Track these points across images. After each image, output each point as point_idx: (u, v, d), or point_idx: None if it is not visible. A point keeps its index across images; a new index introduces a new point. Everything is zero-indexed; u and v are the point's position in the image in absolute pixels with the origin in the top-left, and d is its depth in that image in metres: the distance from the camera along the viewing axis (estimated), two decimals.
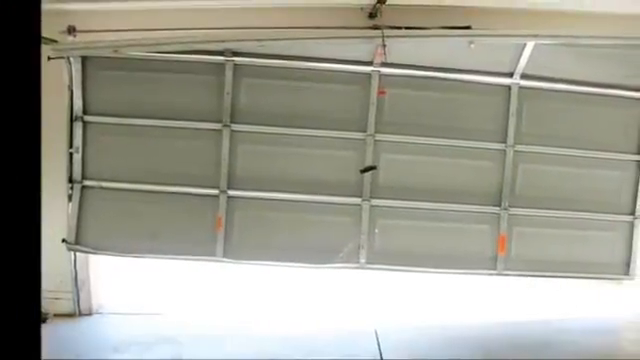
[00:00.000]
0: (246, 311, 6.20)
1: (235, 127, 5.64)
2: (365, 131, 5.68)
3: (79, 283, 5.95)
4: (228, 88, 5.58)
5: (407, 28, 5.35)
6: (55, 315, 5.87)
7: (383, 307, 6.33)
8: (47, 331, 5.31)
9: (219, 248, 5.69)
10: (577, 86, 5.78)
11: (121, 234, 5.69)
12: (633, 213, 5.99)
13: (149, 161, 5.67)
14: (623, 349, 5.76)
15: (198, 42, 5.34)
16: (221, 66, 5.57)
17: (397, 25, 5.36)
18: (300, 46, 5.48)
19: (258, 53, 5.54)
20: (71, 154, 5.58)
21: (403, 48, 5.44)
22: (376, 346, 5.43)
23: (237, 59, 5.56)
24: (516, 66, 5.64)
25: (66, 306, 5.95)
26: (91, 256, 5.93)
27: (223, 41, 5.45)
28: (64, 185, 5.57)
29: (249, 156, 5.70)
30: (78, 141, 5.58)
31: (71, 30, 5.48)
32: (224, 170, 5.65)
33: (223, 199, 5.67)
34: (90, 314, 6.05)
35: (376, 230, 5.78)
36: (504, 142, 5.80)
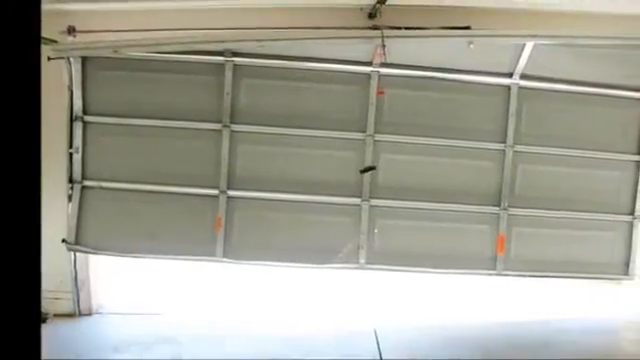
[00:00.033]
0: (246, 311, 6.20)
1: (235, 127, 5.64)
2: (364, 131, 5.69)
3: (79, 283, 5.95)
4: (228, 88, 5.59)
5: (407, 28, 5.36)
6: (55, 315, 5.88)
7: (382, 307, 6.33)
8: (47, 331, 5.33)
9: (219, 248, 5.69)
10: (576, 86, 5.78)
11: (121, 234, 5.69)
12: (632, 213, 5.99)
13: (149, 161, 5.67)
14: (623, 349, 5.76)
15: (198, 42, 5.35)
16: (221, 66, 5.57)
17: (397, 25, 5.37)
18: (300, 46, 5.48)
19: (258, 53, 5.54)
20: (71, 154, 5.58)
21: (402, 48, 5.44)
22: (375, 346, 5.43)
23: (237, 59, 5.57)
24: (515, 66, 5.64)
25: (66, 306, 5.95)
26: (91, 256, 5.93)
27: (223, 41, 5.46)
28: (64, 185, 5.58)
29: (249, 156, 5.71)
30: (78, 141, 5.58)
31: (71, 30, 5.49)
32: (224, 170, 5.66)
33: (223, 199, 5.68)
34: (90, 314, 6.05)
35: (375, 230, 5.79)
36: (503, 142, 5.81)
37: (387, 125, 5.71)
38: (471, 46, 5.27)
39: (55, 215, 5.32)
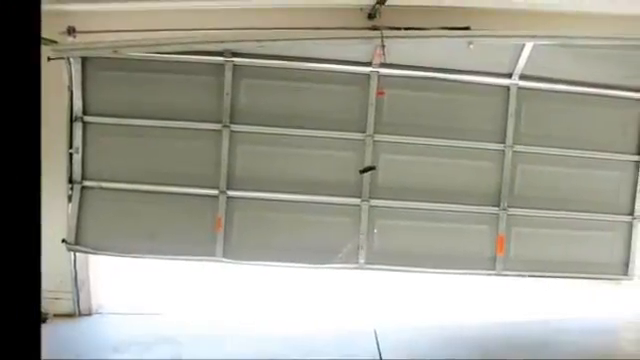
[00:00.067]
0: (246, 311, 6.21)
1: (234, 127, 5.65)
2: (364, 132, 5.69)
3: (79, 283, 5.95)
4: (228, 89, 5.59)
5: (406, 29, 5.36)
6: (55, 315, 5.88)
7: (382, 307, 6.34)
8: (47, 331, 5.34)
9: (219, 248, 5.70)
10: (576, 87, 5.79)
11: (121, 234, 5.70)
12: (632, 213, 5.99)
13: (149, 161, 5.67)
14: (622, 349, 5.77)
15: (198, 43, 5.35)
16: (221, 67, 5.58)
17: (396, 26, 5.37)
18: (299, 47, 5.48)
19: (257, 54, 5.55)
20: (71, 154, 5.59)
21: (402, 49, 5.45)
22: (375, 346, 5.44)
23: (236, 60, 5.57)
24: (515, 67, 5.65)
25: (66, 306, 5.96)
26: (91, 256, 5.94)
27: (223, 42, 5.46)
28: (64, 185, 5.58)
29: (248, 156, 5.71)
30: (78, 141, 5.59)
31: (71, 31, 5.50)
32: (224, 170, 5.66)
33: (223, 199, 5.68)
34: (90, 314, 6.06)
35: (375, 230, 5.79)
36: (503, 142, 5.81)
37: (387, 125, 5.71)
38: (471, 46, 5.27)
39: (55, 215, 5.32)
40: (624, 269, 6.03)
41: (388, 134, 5.73)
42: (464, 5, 5.56)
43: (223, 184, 5.67)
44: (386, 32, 5.21)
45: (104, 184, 5.65)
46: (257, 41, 5.36)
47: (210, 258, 5.73)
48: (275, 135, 5.67)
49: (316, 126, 5.65)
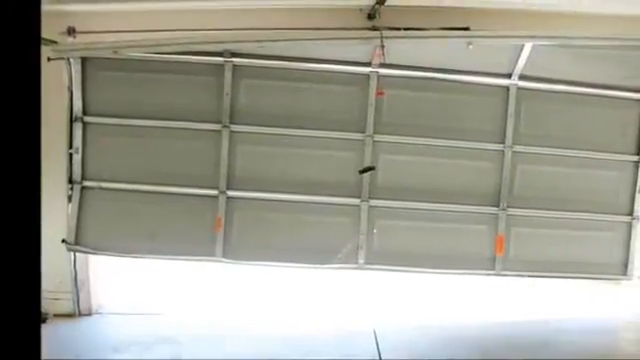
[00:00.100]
0: (246, 311, 6.21)
1: (234, 128, 5.65)
2: (364, 132, 5.70)
3: (79, 283, 5.96)
4: (227, 89, 5.60)
5: (406, 29, 5.37)
6: (55, 315, 5.88)
7: (382, 307, 6.34)
8: (47, 331, 5.34)
9: (218, 248, 5.70)
10: (575, 87, 5.79)
11: (121, 234, 5.70)
12: (631, 214, 5.99)
13: (149, 162, 5.68)
14: (621, 349, 5.78)
15: (197, 43, 5.36)
16: (220, 67, 5.58)
17: (396, 26, 5.38)
18: (299, 47, 5.48)
19: (257, 54, 5.55)
20: (71, 155, 5.59)
21: (402, 49, 5.45)
22: (375, 346, 5.44)
23: (236, 60, 5.58)
24: (514, 67, 5.65)
25: (66, 306, 5.96)
26: (91, 256, 5.94)
27: (222, 42, 5.46)
28: (64, 186, 5.58)
29: (248, 157, 5.71)
30: (78, 142, 5.59)
31: (71, 31, 5.50)
32: (223, 171, 5.66)
33: (222, 200, 5.68)
34: (90, 314, 6.06)
35: (375, 230, 5.79)
36: (502, 143, 5.82)
37: (386, 125, 5.72)
38: (470, 47, 5.28)
39: (55, 215, 5.33)
40: (623, 269, 6.03)
41: (388, 134, 5.73)
42: (463, 5, 5.57)
43: (223, 184, 5.67)
44: (386, 32, 5.21)
45: (104, 184, 5.65)
46: (257, 41, 5.37)
47: (210, 258, 5.73)
48: (275, 135, 5.67)
49: (316, 126, 5.65)
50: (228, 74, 5.58)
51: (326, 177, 5.73)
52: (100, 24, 5.51)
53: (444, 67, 5.68)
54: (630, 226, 6.01)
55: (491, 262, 5.89)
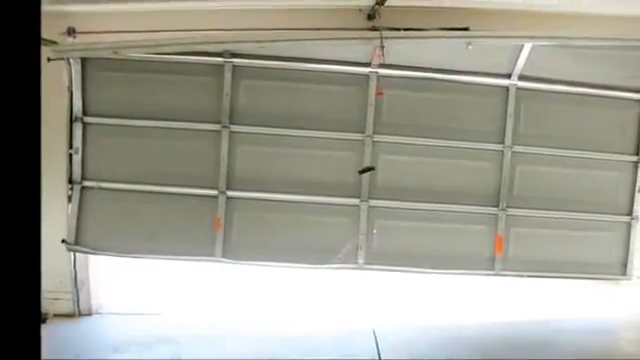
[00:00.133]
0: (245, 311, 6.21)
1: (234, 128, 5.65)
2: (363, 132, 5.70)
3: (79, 283, 5.96)
4: (227, 89, 5.60)
5: (405, 29, 5.37)
6: (55, 315, 5.89)
7: (381, 307, 6.34)
8: (47, 331, 5.33)
9: (218, 248, 5.70)
10: (574, 87, 5.79)
11: (120, 234, 5.70)
12: (630, 214, 6.00)
13: (148, 162, 5.68)
14: (621, 349, 5.78)
15: (197, 43, 5.36)
16: (220, 67, 5.58)
17: (395, 26, 5.38)
18: (299, 47, 5.48)
19: (257, 54, 5.55)
20: (71, 155, 5.59)
21: (401, 49, 5.46)
22: (374, 346, 5.45)
23: (236, 60, 5.58)
24: (514, 67, 5.65)
25: (66, 306, 5.97)
26: (91, 256, 5.95)
27: (222, 42, 5.47)
28: (64, 186, 5.58)
29: (248, 157, 5.72)
30: (78, 142, 5.59)
31: (71, 31, 5.51)
32: (223, 171, 5.67)
33: (222, 200, 5.69)
34: (90, 314, 6.07)
35: (374, 231, 5.80)
36: (502, 143, 5.82)
37: (386, 126, 5.72)
38: (469, 47, 5.28)
39: (55, 215, 5.33)
40: (622, 269, 6.03)
41: (387, 134, 5.73)
42: (463, 6, 5.58)
43: (222, 184, 5.68)
44: (385, 33, 5.21)
45: (104, 184, 5.65)
46: (257, 42, 5.37)
47: (209, 258, 5.73)
48: (274, 136, 5.67)
49: (315, 127, 5.65)
50: (228, 74, 5.58)
51: (326, 177, 5.74)
52: (100, 24, 5.51)
53: (444, 67, 5.68)
54: (629, 226, 6.01)
55: (490, 262, 5.89)
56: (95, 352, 5.35)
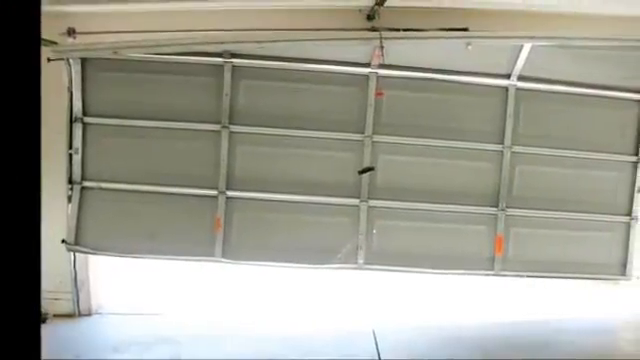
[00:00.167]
0: (245, 311, 6.22)
1: (234, 128, 5.65)
2: (363, 132, 5.70)
3: (78, 283, 5.97)
4: (227, 89, 5.60)
5: (405, 30, 5.38)
6: (55, 315, 5.90)
7: (381, 307, 6.35)
8: (47, 331, 5.34)
9: (218, 249, 5.70)
10: (574, 87, 5.79)
11: (120, 235, 5.70)
12: (630, 214, 5.99)
13: (148, 162, 5.68)
14: (621, 349, 5.79)
15: (197, 44, 5.37)
16: (220, 68, 5.58)
17: (395, 27, 5.39)
18: (298, 48, 5.48)
19: (256, 55, 5.55)
20: (71, 155, 5.59)
21: (401, 50, 5.46)
22: (374, 346, 5.45)
23: (236, 61, 5.58)
24: (513, 68, 5.65)
25: (66, 306, 5.97)
26: (90, 256, 5.95)
27: (222, 42, 5.47)
28: (64, 186, 5.58)
29: (248, 157, 5.72)
30: (78, 142, 5.59)
31: (71, 32, 5.52)
32: (223, 171, 5.67)
33: (222, 200, 5.69)
34: (89, 314, 6.07)
35: (374, 231, 5.80)
36: (501, 143, 5.82)
37: (385, 126, 5.72)
38: (469, 47, 5.28)
39: (55, 215, 5.33)
40: (622, 269, 6.03)
41: (387, 135, 5.73)
42: (462, 6, 5.58)
43: (222, 185, 5.68)
44: (385, 33, 5.21)
45: (104, 184, 5.65)
46: (257, 42, 5.37)
47: (209, 258, 5.73)
48: (274, 136, 5.67)
49: (315, 127, 5.66)
50: (227, 75, 5.58)
51: (325, 177, 5.74)
52: (100, 25, 5.52)
53: (443, 68, 5.68)
54: (629, 226, 6.02)
55: (490, 262, 5.89)
56: (95, 352, 5.36)
